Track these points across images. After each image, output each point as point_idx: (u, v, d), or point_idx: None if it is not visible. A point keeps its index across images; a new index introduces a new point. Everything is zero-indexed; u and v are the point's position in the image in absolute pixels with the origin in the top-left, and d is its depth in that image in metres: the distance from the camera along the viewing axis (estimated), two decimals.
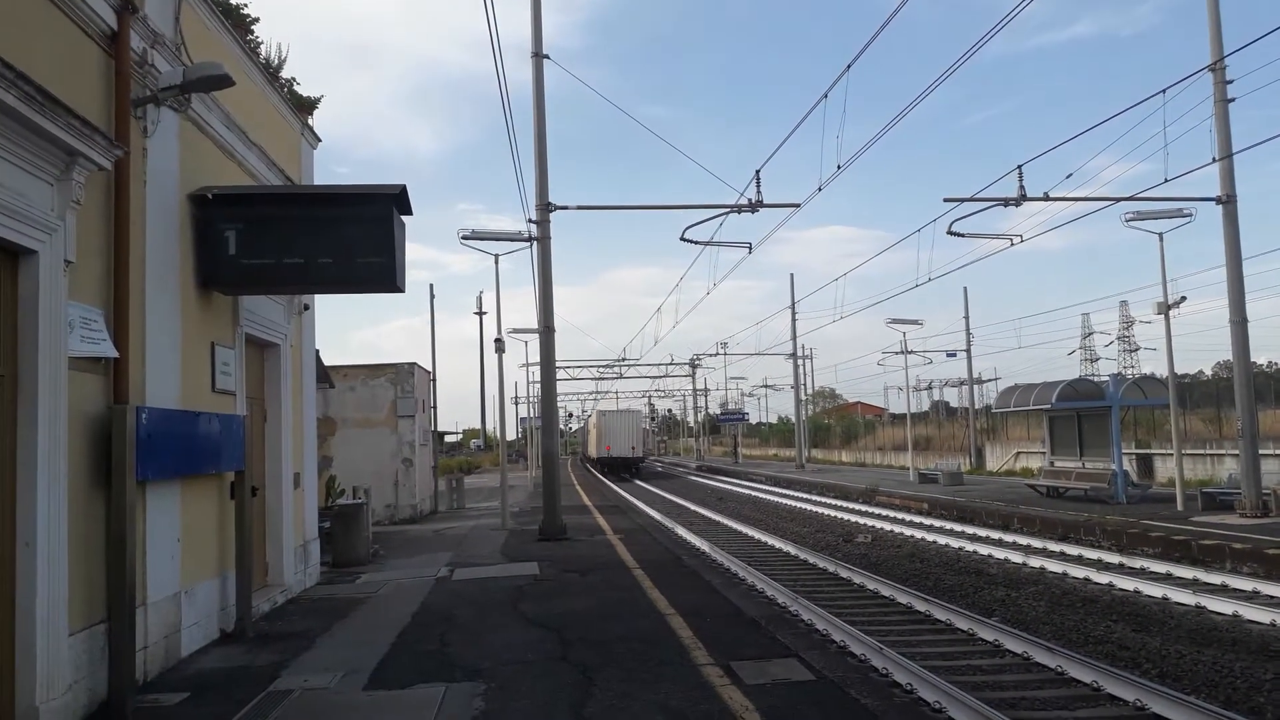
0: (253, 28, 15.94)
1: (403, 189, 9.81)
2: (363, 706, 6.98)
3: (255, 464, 11.17)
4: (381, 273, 9.62)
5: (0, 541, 6.12)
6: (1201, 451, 28.31)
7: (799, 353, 54.58)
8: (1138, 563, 14.72)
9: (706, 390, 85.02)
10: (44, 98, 5.96)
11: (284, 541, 12.12)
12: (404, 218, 10.08)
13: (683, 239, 21.14)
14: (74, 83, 6.92)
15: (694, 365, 74.43)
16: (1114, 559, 15.25)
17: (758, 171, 18.94)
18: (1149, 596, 12.28)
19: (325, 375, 19.49)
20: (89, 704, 6.92)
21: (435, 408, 29.69)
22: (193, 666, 8.45)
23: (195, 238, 9.34)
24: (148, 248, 8.14)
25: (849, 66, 14.99)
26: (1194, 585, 12.71)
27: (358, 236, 9.53)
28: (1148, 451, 30.08)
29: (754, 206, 19.13)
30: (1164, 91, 15.37)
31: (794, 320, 51.94)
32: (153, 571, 8.03)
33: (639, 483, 49.38)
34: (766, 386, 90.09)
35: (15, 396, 6.28)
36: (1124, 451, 24.13)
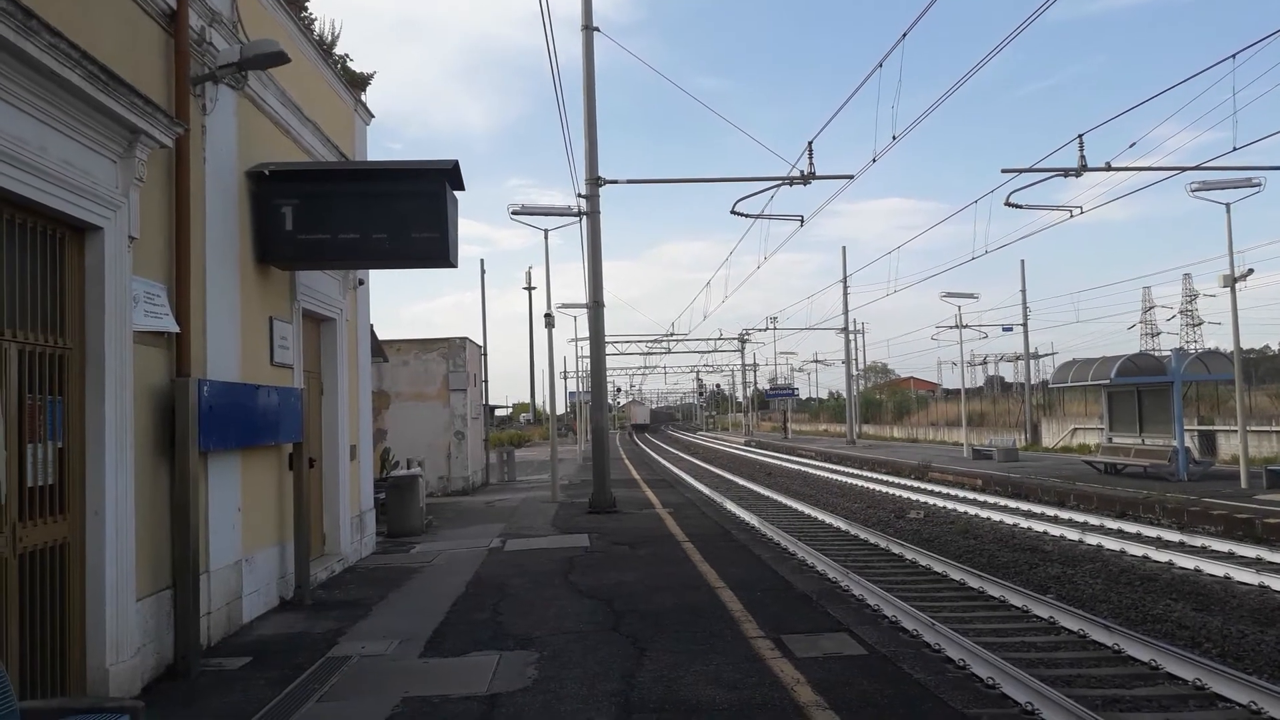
0: (306, 4, 16.10)
1: (455, 164, 9.86)
2: (419, 673, 7.12)
3: (313, 436, 11.40)
4: (434, 248, 9.70)
5: (71, 509, 6.33)
6: (1267, 428, 27.56)
7: (850, 327, 54.06)
8: (1198, 541, 14.41)
9: (755, 365, 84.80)
10: (108, 76, 6.08)
11: (340, 512, 12.37)
12: (456, 193, 10.15)
13: (733, 212, 21.03)
14: (135, 61, 7.05)
15: (743, 340, 74.11)
16: (1174, 537, 14.94)
17: (810, 143, 18.75)
18: (1210, 575, 12.03)
19: (379, 349, 19.76)
20: (156, 666, 7.16)
21: (486, 382, 29.99)
22: (253, 633, 8.69)
23: (253, 214, 9.50)
24: (207, 224, 8.30)
25: (904, 35, 14.72)
26: (1258, 564, 12.42)
27: (411, 212, 9.62)
28: (1210, 428, 29.36)
29: (806, 179, 18.94)
30: (1233, 57, 14.85)
31: (846, 294, 51.41)
32: (215, 540, 8.26)
33: (680, 454, 49.77)
34: (817, 361, 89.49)
35: (84, 369, 6.47)
36: (1185, 428, 23.57)
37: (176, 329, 7.54)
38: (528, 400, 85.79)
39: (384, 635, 8.38)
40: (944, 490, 24.38)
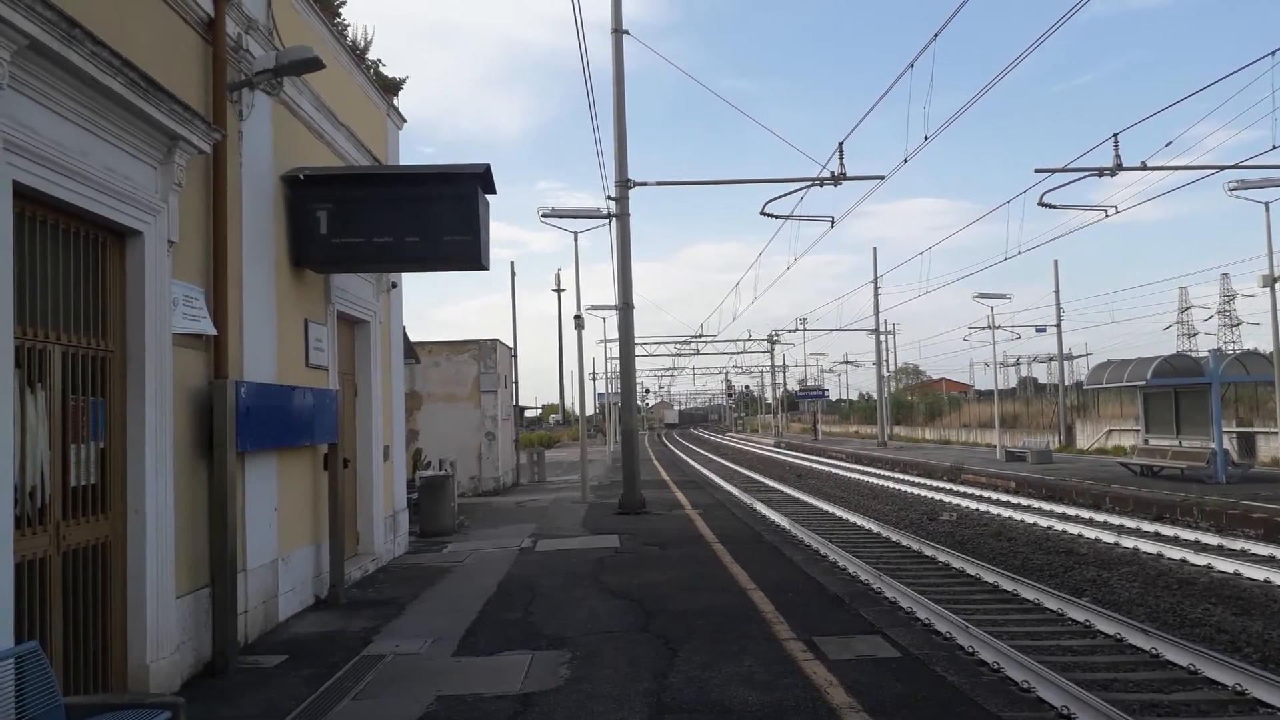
0: (340, 10, 16.27)
1: (487, 168, 9.93)
2: (453, 672, 7.18)
3: (347, 437, 11.51)
4: (467, 251, 9.78)
5: (112, 508, 6.45)
6: None
7: (881, 328, 53.70)
8: (1238, 544, 14.18)
9: (785, 367, 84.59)
10: (148, 84, 6.19)
11: (374, 512, 12.48)
12: (488, 196, 10.22)
13: (763, 213, 20.96)
14: (174, 69, 7.17)
15: (772, 341, 73.88)
16: (1212, 540, 14.71)
17: (841, 143, 18.66)
18: (1250, 579, 11.84)
19: (411, 351, 19.92)
20: (194, 663, 7.27)
21: (516, 383, 30.11)
22: (289, 631, 8.80)
23: (288, 218, 9.62)
24: (244, 228, 8.42)
25: (936, 35, 14.63)
26: None
27: (443, 215, 9.70)
28: (1249, 430, 28.85)
29: (836, 179, 18.85)
30: (1273, 53, 14.62)
31: (876, 295, 51.06)
32: (252, 539, 8.37)
33: (710, 455, 49.84)
34: (847, 363, 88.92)
35: (125, 371, 6.59)
36: (1224, 430, 23.20)
37: (214, 332, 7.65)
38: (557, 401, 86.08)
39: (417, 634, 8.46)
40: (977, 492, 24.17)
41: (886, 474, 32.01)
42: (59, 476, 5.86)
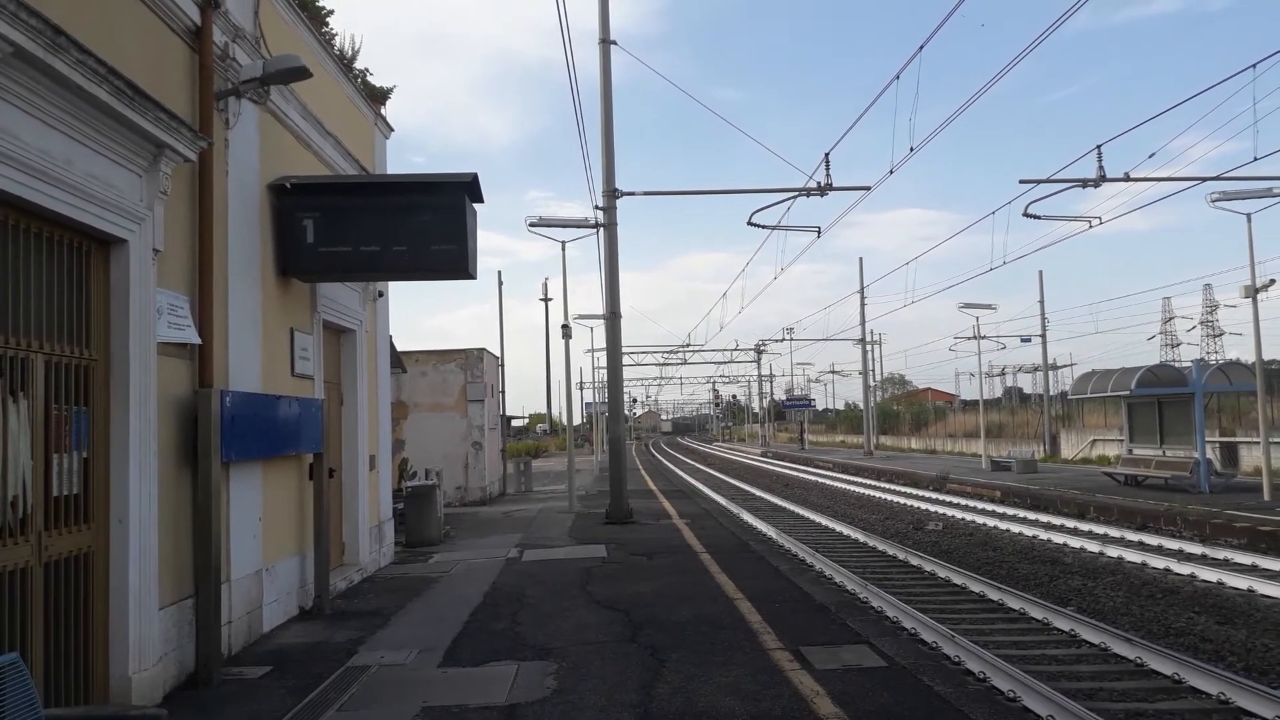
0: (327, 20, 16.24)
1: (474, 177, 9.93)
2: (438, 683, 7.14)
3: (333, 446, 11.47)
4: (454, 260, 9.77)
5: (95, 519, 6.40)
6: None
7: (868, 338, 53.91)
8: (1221, 554, 14.26)
9: (772, 376, 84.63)
10: (134, 92, 6.17)
11: (360, 522, 12.43)
12: (476, 205, 10.22)
13: (750, 223, 21.04)
14: (161, 77, 7.15)
15: (759, 351, 73.99)
16: (1196, 549, 14.79)
17: (827, 154, 18.78)
18: (1233, 588, 11.91)
19: (398, 360, 19.86)
20: (178, 675, 7.21)
21: (503, 392, 30.07)
22: (274, 642, 8.74)
23: (274, 226, 9.59)
24: (230, 237, 8.39)
25: (921, 47, 14.75)
26: None
27: (431, 224, 9.69)
28: (1232, 440, 29.06)
29: (823, 190, 18.94)
30: (1254, 66, 14.77)
31: (863, 305, 51.31)
32: (236, 549, 8.31)
33: (697, 465, 49.84)
34: (834, 372, 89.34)
35: (108, 380, 6.55)
36: (1207, 439, 23.36)
37: (199, 341, 7.61)
38: (545, 411, 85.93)
39: (403, 645, 8.41)
40: (963, 502, 24.23)
41: (873, 483, 32.06)
42: (41, 486, 5.81)
